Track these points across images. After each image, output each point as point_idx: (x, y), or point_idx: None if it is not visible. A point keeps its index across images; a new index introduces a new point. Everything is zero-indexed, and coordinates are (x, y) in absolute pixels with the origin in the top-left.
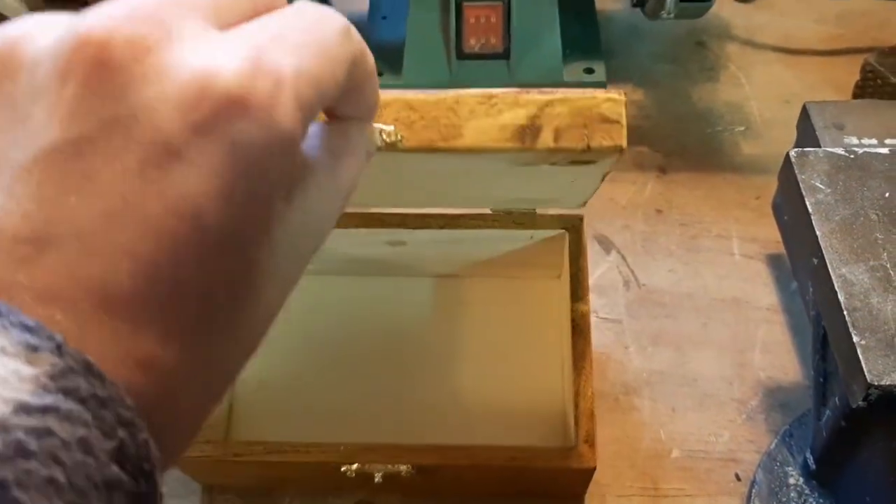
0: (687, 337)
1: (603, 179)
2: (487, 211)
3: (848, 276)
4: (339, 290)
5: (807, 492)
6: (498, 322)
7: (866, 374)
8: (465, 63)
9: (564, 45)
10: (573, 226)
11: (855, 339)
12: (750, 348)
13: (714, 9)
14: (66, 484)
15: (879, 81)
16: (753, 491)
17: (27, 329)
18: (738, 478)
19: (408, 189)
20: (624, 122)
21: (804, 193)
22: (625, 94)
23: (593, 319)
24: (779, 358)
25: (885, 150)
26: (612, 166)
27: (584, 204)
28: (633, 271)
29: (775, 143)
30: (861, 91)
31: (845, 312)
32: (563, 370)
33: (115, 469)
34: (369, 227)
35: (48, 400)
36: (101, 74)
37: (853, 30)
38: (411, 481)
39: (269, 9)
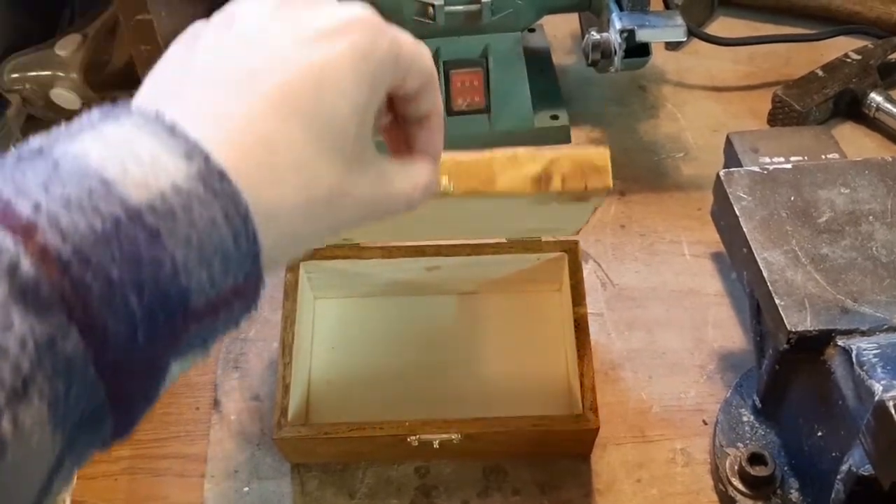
0: (655, 321)
1: (594, 212)
2: (504, 240)
3: (769, 258)
4: (386, 309)
5: (756, 425)
6: (513, 326)
7: (787, 324)
8: (454, 119)
9: (533, 98)
10: (571, 249)
11: (777, 301)
12: (704, 326)
13: None
14: (196, 244)
15: (787, 109)
16: (717, 429)
17: (188, 141)
18: (704, 422)
19: (452, 225)
20: (609, 168)
21: (732, 202)
22: (609, 148)
23: None
24: (727, 331)
25: (788, 166)
26: (601, 202)
27: (579, 231)
28: (607, 275)
29: (709, 165)
30: (773, 118)
31: (769, 284)
32: (567, 358)
33: (231, 243)
34: (412, 256)
35: (193, 187)
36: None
37: (763, 67)
38: (460, 446)
39: None
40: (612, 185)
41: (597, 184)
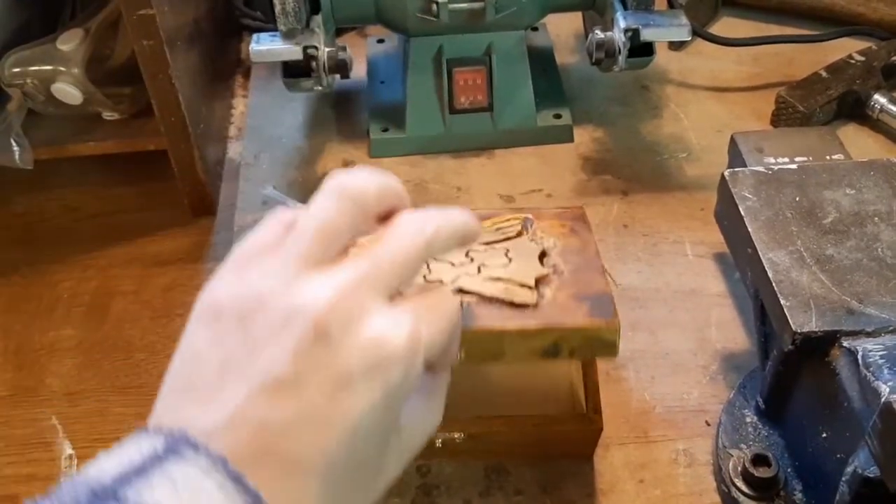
0: (657, 322)
1: None
2: None
3: (773, 259)
4: None
5: (760, 426)
6: None
7: (792, 325)
8: (457, 117)
9: (536, 97)
10: None
11: (782, 302)
12: (707, 326)
13: None
14: None
15: (790, 110)
16: (720, 430)
17: (250, 492)
18: (707, 423)
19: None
20: (618, 342)
21: (737, 202)
22: (619, 321)
23: None
24: (730, 332)
25: (794, 166)
26: None
27: None
28: (610, 275)
29: (712, 165)
30: (776, 118)
31: (774, 284)
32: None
33: None
34: None
35: None
36: (319, 337)
37: (767, 68)
38: (462, 445)
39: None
40: (617, 356)
41: (603, 354)
